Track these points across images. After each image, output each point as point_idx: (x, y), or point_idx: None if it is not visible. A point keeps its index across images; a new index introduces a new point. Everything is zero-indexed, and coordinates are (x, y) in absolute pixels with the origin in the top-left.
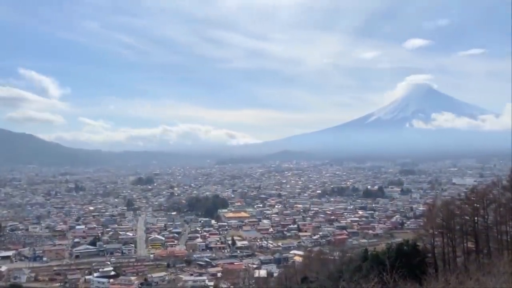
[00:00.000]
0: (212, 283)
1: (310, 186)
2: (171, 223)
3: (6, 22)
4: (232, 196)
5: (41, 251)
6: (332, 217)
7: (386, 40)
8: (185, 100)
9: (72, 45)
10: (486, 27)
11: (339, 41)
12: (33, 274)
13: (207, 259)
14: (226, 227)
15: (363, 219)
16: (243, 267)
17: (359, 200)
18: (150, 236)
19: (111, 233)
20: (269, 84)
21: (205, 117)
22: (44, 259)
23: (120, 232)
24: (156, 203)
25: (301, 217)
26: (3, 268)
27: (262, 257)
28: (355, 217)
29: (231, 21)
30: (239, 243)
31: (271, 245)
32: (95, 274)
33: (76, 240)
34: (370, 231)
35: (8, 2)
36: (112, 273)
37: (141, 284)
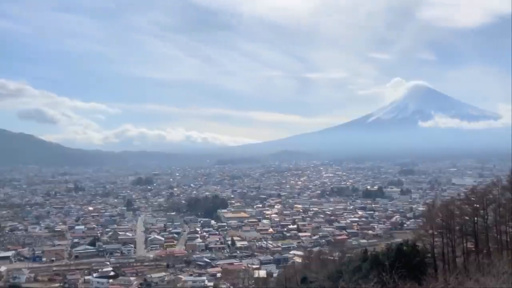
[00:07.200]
0: (211, 284)
1: (310, 186)
2: (171, 223)
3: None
4: (232, 196)
5: (40, 252)
6: (332, 218)
7: None
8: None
9: (72, 44)
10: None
11: None
12: (32, 275)
13: (207, 260)
14: (226, 227)
15: (363, 219)
16: (243, 267)
17: (359, 200)
18: (150, 237)
19: (110, 233)
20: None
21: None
22: (44, 259)
23: (120, 233)
24: (156, 203)
25: (301, 217)
26: (2, 269)
27: (261, 258)
28: (354, 217)
29: None
30: (238, 244)
31: (271, 246)
32: (95, 275)
33: (76, 240)
34: (370, 232)
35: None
36: (112, 273)
37: (141, 284)
